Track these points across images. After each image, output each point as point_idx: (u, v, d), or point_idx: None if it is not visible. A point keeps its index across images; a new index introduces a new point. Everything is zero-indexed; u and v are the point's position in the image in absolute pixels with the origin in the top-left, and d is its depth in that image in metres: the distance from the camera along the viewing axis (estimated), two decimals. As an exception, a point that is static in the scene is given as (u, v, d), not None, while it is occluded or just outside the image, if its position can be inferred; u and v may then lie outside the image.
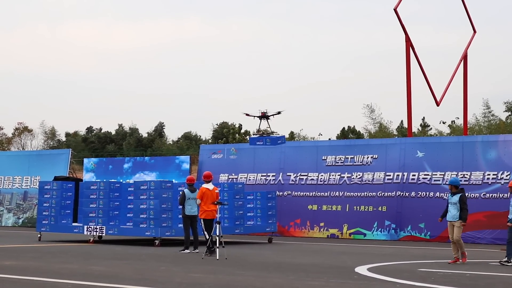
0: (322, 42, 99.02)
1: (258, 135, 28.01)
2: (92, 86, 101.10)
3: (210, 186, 20.06)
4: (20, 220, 35.95)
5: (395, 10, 30.47)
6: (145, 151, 61.28)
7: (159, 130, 74.52)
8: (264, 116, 27.59)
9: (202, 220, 19.96)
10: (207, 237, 19.62)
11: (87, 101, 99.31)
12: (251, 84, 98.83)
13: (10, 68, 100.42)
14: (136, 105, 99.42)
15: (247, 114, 27.85)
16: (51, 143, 74.21)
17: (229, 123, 66.45)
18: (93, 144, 73.08)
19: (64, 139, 75.94)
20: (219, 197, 21.94)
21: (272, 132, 27.84)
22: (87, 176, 35.07)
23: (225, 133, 60.75)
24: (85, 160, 36.66)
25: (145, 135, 74.08)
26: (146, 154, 54.87)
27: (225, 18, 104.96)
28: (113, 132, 75.58)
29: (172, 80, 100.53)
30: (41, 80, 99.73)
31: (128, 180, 30.93)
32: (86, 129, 78.61)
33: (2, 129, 76.83)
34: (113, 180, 28.86)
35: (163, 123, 75.25)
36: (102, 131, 77.06)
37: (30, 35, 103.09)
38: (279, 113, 27.59)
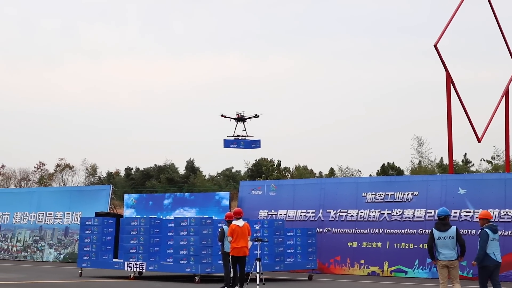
0: (362, 77, 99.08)
1: (233, 138, 27.58)
2: (132, 123, 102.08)
3: (240, 222, 19.91)
4: (61, 256, 36.17)
5: (435, 46, 30.40)
6: (182, 187, 61.49)
7: (191, 166, 74.71)
8: (240, 118, 27.09)
9: (231, 257, 19.84)
10: (232, 274, 19.52)
11: (127, 137, 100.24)
12: (288, 119, 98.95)
13: (52, 105, 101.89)
14: (171, 142, 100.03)
15: (223, 116, 27.43)
16: (92, 179, 74.94)
17: (268, 159, 66.53)
18: (133, 180, 73.60)
19: (105, 175, 76.67)
20: (259, 233, 21.93)
21: (246, 136, 27.34)
22: (127, 212, 35.26)
23: (264, 170, 60.77)
24: (126, 196, 36.86)
25: (181, 171, 74.45)
26: (184, 190, 55.03)
27: (265, 54, 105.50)
28: (152, 169, 76.02)
29: (209, 115, 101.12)
30: (83, 117, 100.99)
31: (168, 216, 31.08)
32: (126, 169, 79.11)
33: (44, 165, 77.92)
34: (153, 216, 29.00)
35: (193, 159, 75.40)
36: (141, 168, 77.59)
37: (72, 72, 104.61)
38: (256, 116, 27.13)
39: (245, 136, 27.47)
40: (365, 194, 29.80)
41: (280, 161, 62.45)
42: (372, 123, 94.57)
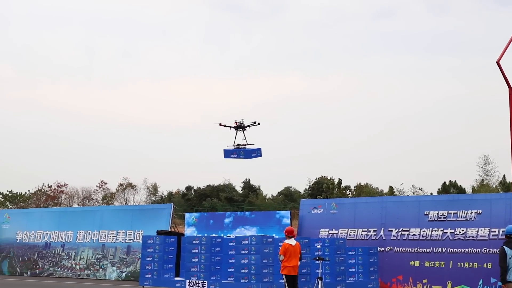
0: (422, 94, 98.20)
1: (233, 147, 26.98)
2: (190, 142, 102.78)
3: (292, 241, 19.79)
4: (124, 274, 36.49)
5: (497, 63, 29.99)
6: (242, 206, 61.58)
7: (248, 185, 74.81)
8: (239, 126, 26.46)
9: (284, 276, 19.70)
10: None
11: (186, 157, 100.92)
12: (348, 137, 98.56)
13: (113, 125, 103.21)
14: (232, 160, 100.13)
15: (221, 125, 26.84)
16: (153, 198, 75.56)
17: (328, 178, 66.30)
18: (190, 201, 73.98)
19: (165, 193, 77.23)
20: (320, 252, 21.79)
21: (246, 145, 26.63)
22: (188, 231, 35.42)
23: (324, 188, 60.57)
24: (187, 214, 37.05)
25: (239, 190, 74.57)
26: (244, 209, 55.10)
27: (324, 73, 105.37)
28: (210, 187, 76.29)
29: (271, 135, 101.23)
30: (143, 137, 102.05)
31: (229, 235, 31.13)
32: (186, 188, 79.58)
33: (106, 184, 78.85)
34: (214, 235, 29.08)
35: (249, 179, 75.48)
36: (200, 187, 77.95)
37: (132, 92, 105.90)
38: (255, 123, 26.49)
39: (245, 145, 26.89)
40: (427, 213, 29.44)
41: (341, 180, 62.24)
42: (433, 141, 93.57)
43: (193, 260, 24.62)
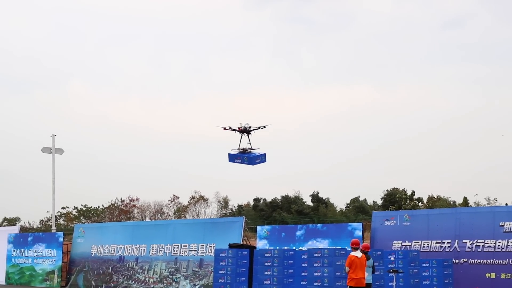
0: (496, 104, 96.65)
1: (238, 152, 26.25)
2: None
3: (358, 253, 19.70)
4: (197, 287, 36.70)
5: None
6: (312, 218, 61.38)
7: (316, 198, 74.44)
8: (244, 130, 25.70)
9: None
10: None
11: (258, 169, 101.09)
12: (418, 148, 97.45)
13: (183, 139, 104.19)
14: (299, 173, 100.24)
15: (225, 128, 26.10)
16: (224, 211, 75.92)
17: (400, 189, 65.67)
18: (262, 212, 74.03)
19: (236, 207, 77.49)
20: (393, 264, 21.56)
21: (251, 149, 25.82)
22: (260, 244, 35.45)
23: (397, 199, 60.02)
24: (259, 227, 37.08)
25: (308, 202, 74.35)
26: (315, 221, 54.91)
27: (393, 84, 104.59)
28: (279, 200, 76.21)
29: (339, 146, 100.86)
30: (214, 150, 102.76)
31: (301, 248, 31.06)
32: (254, 199, 79.70)
33: (178, 198, 79.55)
34: (286, 248, 29.06)
35: (317, 192, 75.09)
36: (270, 199, 77.97)
37: (202, 105, 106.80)
38: (260, 127, 25.71)
39: (250, 150, 26.27)
40: (502, 224, 28.89)
41: (414, 191, 61.63)
42: (505, 150, 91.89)
43: (266, 273, 24.65)
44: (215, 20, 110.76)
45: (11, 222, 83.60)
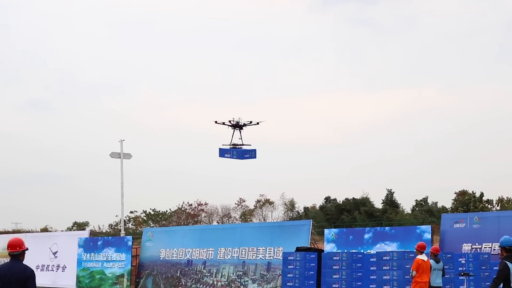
0: None
1: (230, 147, 25.79)
2: (325, 156, 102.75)
3: (424, 257, 19.53)
4: (264, 290, 36.73)
5: None
6: (380, 221, 60.89)
7: (390, 199, 73.79)
8: (236, 125, 25.25)
9: None
10: None
11: (320, 171, 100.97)
12: (489, 151, 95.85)
13: (262, 141, 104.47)
14: (368, 173, 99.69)
15: (217, 122, 25.65)
16: (291, 214, 75.84)
17: (469, 191, 64.73)
18: (328, 215, 73.72)
19: (302, 210, 77.34)
20: (464, 267, 21.25)
21: (242, 145, 25.34)
22: (328, 247, 35.29)
23: (466, 201, 59.17)
24: (326, 230, 36.93)
25: (378, 205, 73.77)
26: (384, 224, 54.46)
27: (461, 85, 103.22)
28: (347, 202, 75.78)
29: (406, 148, 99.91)
30: (279, 153, 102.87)
31: (369, 251, 30.84)
32: (324, 199, 79.46)
33: (244, 201, 79.81)
34: (354, 251, 28.90)
35: (392, 191, 74.42)
36: (338, 201, 77.57)
37: (268, 108, 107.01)
38: (251, 122, 25.17)
39: (241, 145, 25.83)
40: None
41: (483, 193, 60.62)
42: None
43: (334, 276, 24.57)
44: (280, 23, 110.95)
45: (81, 226, 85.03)
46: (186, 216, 78.11)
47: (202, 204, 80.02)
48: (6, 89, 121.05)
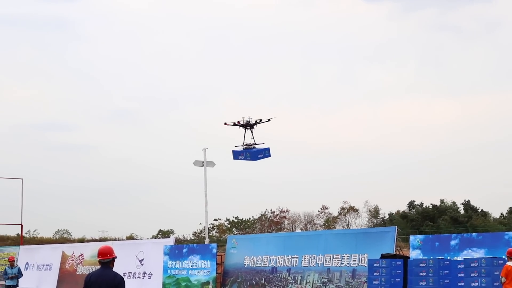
0: None
1: (242, 148, 24.71)
2: (410, 162, 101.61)
3: (512, 263, 19.12)
4: (349, 298, 36.49)
5: None
6: (466, 227, 59.85)
7: (469, 206, 72.41)
8: (246, 125, 24.23)
9: None
10: None
11: (406, 177, 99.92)
12: None
13: (332, 148, 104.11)
14: (447, 180, 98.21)
15: (226, 124, 24.56)
16: (375, 221, 75.28)
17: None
18: (413, 222, 72.84)
19: (387, 216, 76.69)
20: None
21: (255, 144, 24.21)
22: (413, 254, 34.85)
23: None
24: (411, 237, 36.46)
25: (462, 211, 72.52)
26: (470, 231, 53.52)
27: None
28: (431, 208, 74.71)
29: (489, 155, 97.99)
30: (364, 160, 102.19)
31: (456, 257, 30.33)
32: (408, 204, 78.56)
33: (327, 208, 79.60)
34: (441, 258, 28.48)
35: (472, 197, 73.24)
36: (424, 206, 76.54)
37: (350, 115, 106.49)
38: (261, 120, 24.10)
39: (253, 144, 24.72)
40: None
41: None
42: None
43: (421, 283, 24.26)
44: (360, 28, 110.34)
45: (166, 234, 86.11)
46: (269, 224, 78.31)
47: (284, 211, 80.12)
48: (93, 99, 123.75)
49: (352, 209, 77.16)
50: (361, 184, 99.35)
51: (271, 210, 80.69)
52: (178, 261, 45.30)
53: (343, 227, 75.18)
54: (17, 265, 40.88)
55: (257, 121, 24.91)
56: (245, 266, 42.47)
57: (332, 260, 37.91)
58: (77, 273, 49.60)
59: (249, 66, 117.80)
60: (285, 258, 40.30)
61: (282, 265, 40.32)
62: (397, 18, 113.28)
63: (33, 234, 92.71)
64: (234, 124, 25.43)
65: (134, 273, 47.24)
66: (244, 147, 25.40)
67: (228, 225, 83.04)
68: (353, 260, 36.83)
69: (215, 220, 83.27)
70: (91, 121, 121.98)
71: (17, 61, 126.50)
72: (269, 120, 25.39)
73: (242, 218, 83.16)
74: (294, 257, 39.92)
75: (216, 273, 42.96)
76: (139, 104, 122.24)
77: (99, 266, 13.33)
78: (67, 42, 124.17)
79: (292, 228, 78.44)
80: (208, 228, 57.95)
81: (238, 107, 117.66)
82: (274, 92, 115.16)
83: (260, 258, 41.77)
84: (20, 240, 64.17)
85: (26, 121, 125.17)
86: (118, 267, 45.00)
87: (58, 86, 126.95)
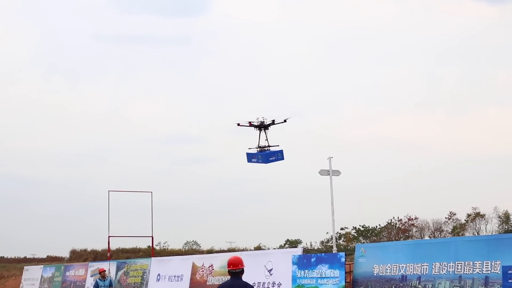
0: None
1: (256, 151, 23.20)
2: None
3: None
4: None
5: None
6: None
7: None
8: (260, 126, 22.80)
9: None
10: None
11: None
12: None
13: (462, 153, 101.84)
14: None
15: (239, 125, 23.12)
16: (506, 226, 73.26)
17: None
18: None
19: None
20: None
21: (269, 146, 22.71)
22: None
23: None
24: (546, 243, 35.30)
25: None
26: None
27: None
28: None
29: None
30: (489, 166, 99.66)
31: None
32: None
33: (455, 214, 78.05)
34: None
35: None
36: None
37: (480, 120, 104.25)
38: (274, 121, 22.53)
39: (267, 146, 23.34)
40: None
41: None
42: None
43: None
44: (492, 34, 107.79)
45: (293, 244, 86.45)
46: (397, 231, 77.45)
47: (412, 218, 79.09)
48: (217, 113, 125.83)
49: (479, 215, 75.41)
50: (489, 190, 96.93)
51: (398, 217, 79.92)
52: (306, 270, 45.33)
53: (472, 233, 73.51)
54: (109, 277, 41.06)
55: (271, 121, 24.42)
56: (374, 274, 42.06)
57: (464, 267, 37.11)
58: (207, 283, 50.40)
59: (370, 71, 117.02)
60: (415, 266, 39.70)
61: (412, 273, 39.74)
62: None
63: (163, 246, 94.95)
64: (250, 124, 25.00)
65: (263, 283, 47.56)
66: (258, 149, 24.94)
67: (355, 234, 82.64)
68: (485, 267, 35.92)
69: (341, 229, 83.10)
70: (216, 133, 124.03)
71: (145, 77, 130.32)
72: (285, 121, 24.94)
73: (368, 226, 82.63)
74: (424, 265, 39.30)
75: (345, 282, 42.76)
76: (260, 115, 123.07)
77: (228, 277, 13.52)
78: (193, 57, 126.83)
79: (421, 236, 77.31)
80: (335, 237, 57.85)
81: (360, 114, 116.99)
82: (398, 96, 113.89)
83: (389, 267, 41.32)
84: (151, 252, 65.78)
85: (154, 135, 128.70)
86: (247, 277, 45.34)
87: (185, 100, 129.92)
